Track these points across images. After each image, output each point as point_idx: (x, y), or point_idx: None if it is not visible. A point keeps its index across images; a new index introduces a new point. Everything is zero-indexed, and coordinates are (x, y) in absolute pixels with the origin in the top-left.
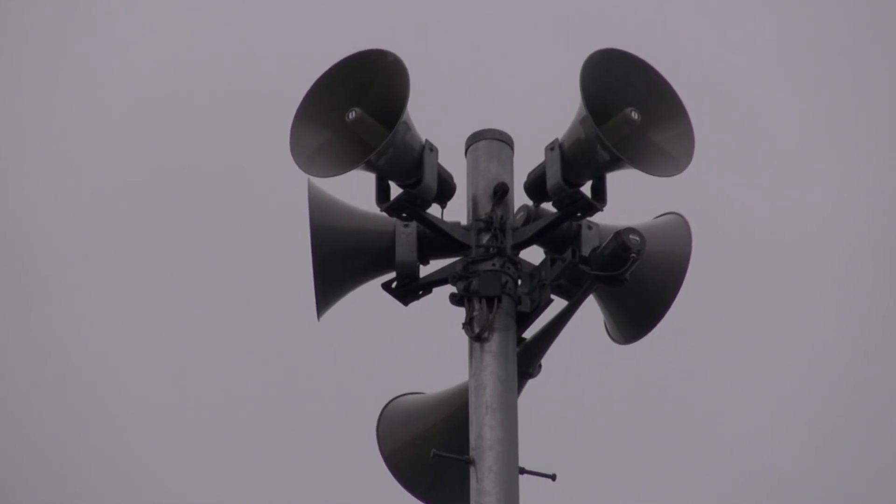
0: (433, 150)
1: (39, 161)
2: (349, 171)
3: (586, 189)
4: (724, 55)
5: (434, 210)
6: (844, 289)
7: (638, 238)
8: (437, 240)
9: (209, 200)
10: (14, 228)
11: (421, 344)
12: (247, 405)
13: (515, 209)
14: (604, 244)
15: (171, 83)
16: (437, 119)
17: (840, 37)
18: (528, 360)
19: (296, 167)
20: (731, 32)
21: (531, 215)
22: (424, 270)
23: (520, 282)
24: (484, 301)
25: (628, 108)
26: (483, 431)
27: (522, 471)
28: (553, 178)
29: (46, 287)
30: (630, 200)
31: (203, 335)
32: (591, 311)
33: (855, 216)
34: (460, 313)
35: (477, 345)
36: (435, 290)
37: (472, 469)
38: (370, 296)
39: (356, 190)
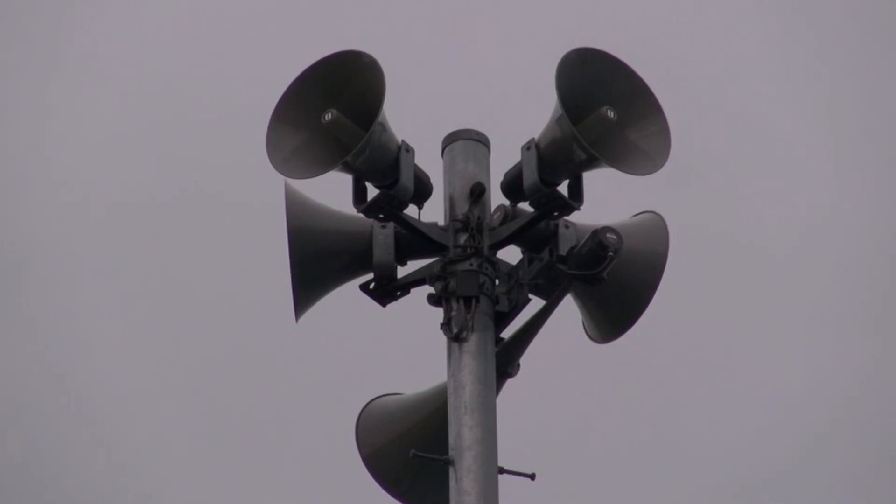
0: (409, 150)
1: (40, 173)
2: (326, 172)
3: (563, 188)
4: (723, 58)
5: (411, 211)
6: (842, 291)
7: (615, 237)
8: (414, 240)
9: (197, 206)
10: (16, 238)
11: (399, 345)
12: (228, 406)
13: (492, 209)
14: (581, 243)
15: (164, 94)
16: (414, 120)
17: (840, 38)
18: (506, 360)
19: (272, 169)
20: (729, 34)
21: (508, 215)
22: (402, 271)
23: (497, 282)
24: (462, 301)
25: (604, 107)
26: (462, 431)
27: (502, 470)
28: (530, 177)
29: (48, 294)
30: (622, 199)
31: (189, 337)
32: (568, 310)
33: (854, 218)
34: (438, 314)
35: (455, 345)
36: (413, 290)
37: (451, 469)
38: (348, 297)
39: (333, 191)
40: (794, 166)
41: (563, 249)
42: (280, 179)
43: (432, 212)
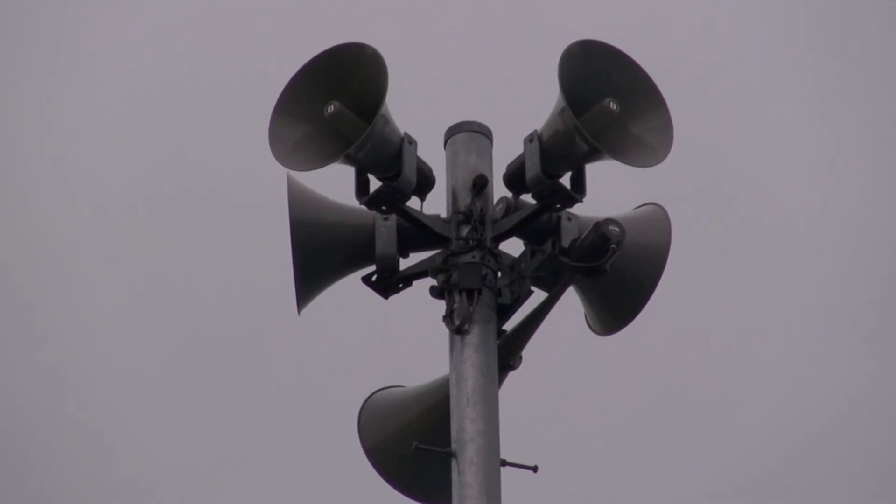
0: (412, 142)
1: (41, 172)
2: (328, 164)
3: (565, 180)
4: (725, 56)
5: (413, 203)
6: (844, 288)
7: (617, 229)
8: (416, 233)
9: (200, 200)
10: (18, 236)
11: (401, 337)
12: (230, 399)
13: (495, 201)
14: (583, 235)
15: (165, 90)
16: (416, 112)
17: (841, 30)
18: (508, 352)
19: (275, 161)
20: (731, 33)
21: (510, 207)
22: (404, 263)
23: (500, 274)
24: (464, 293)
25: (607, 99)
26: (464, 424)
27: (504, 463)
28: (532, 169)
29: (49, 292)
30: (620, 191)
31: (190, 332)
32: (571, 302)
33: (856, 216)
34: (441, 306)
35: (457, 337)
36: (415, 282)
37: (453, 461)
38: (350, 289)
39: (335, 184)
40: (795, 165)
41: (566, 241)
42: (282, 172)
43: (435, 204)
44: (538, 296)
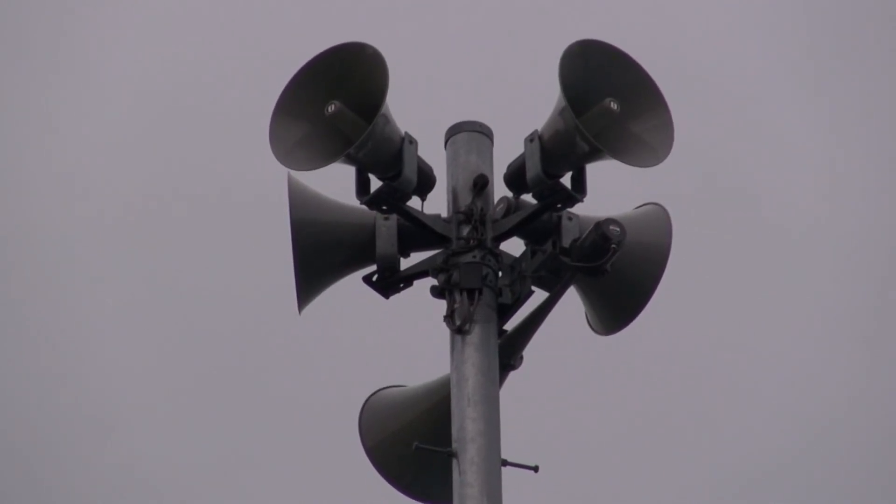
0: (413, 142)
1: (42, 172)
2: (329, 164)
3: (566, 180)
4: (723, 49)
5: (414, 203)
6: (844, 285)
7: (618, 229)
8: (417, 232)
9: (196, 201)
10: (19, 239)
11: (402, 337)
12: (230, 399)
13: (495, 201)
14: (584, 235)
15: (164, 90)
16: (417, 111)
17: (841, 30)
18: (509, 352)
19: (275, 161)
20: (730, 25)
21: (511, 207)
22: (405, 263)
23: (500, 274)
24: (465, 293)
25: (607, 99)
26: (465, 423)
27: (505, 463)
28: (533, 169)
29: (49, 293)
30: (620, 190)
31: (191, 331)
32: (571, 302)
33: (857, 215)
34: (441, 306)
35: (458, 337)
36: (416, 282)
37: (454, 461)
38: (351, 289)
39: (336, 183)
40: (795, 165)
41: (566, 241)
42: (283, 171)
43: (435, 204)
44: (539, 295)
